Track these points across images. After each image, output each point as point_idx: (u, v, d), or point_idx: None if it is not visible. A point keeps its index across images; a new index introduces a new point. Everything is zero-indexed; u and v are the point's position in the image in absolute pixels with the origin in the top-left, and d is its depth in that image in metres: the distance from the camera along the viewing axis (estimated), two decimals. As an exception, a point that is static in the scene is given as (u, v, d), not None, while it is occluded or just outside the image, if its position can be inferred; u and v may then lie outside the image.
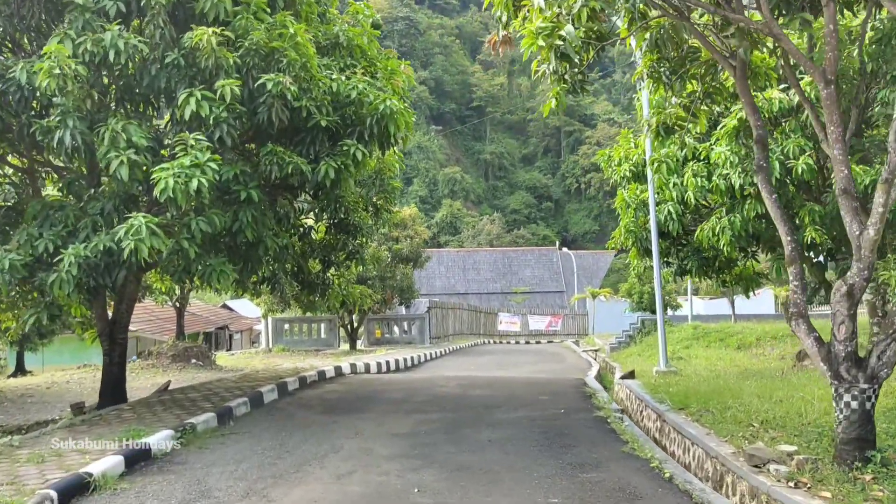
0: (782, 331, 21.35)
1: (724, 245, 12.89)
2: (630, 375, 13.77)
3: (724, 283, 16.22)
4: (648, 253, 14.89)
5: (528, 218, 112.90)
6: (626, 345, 26.58)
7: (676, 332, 24.50)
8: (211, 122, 8.75)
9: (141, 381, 19.08)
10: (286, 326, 31.99)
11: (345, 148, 9.54)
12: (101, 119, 8.81)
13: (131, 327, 34.88)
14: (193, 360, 22.91)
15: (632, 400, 12.38)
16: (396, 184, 13.25)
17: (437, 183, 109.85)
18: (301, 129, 9.74)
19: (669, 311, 36.49)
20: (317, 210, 11.80)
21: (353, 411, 10.14)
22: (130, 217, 8.21)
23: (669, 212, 13.72)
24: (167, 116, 9.85)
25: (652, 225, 13.90)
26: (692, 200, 13.27)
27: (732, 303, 27.83)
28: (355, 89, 9.58)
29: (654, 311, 35.19)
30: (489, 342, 42.74)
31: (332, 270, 13.53)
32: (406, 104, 10.13)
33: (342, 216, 12.29)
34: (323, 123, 9.35)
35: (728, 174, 12.40)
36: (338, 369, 15.43)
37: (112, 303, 11.77)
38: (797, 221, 12.53)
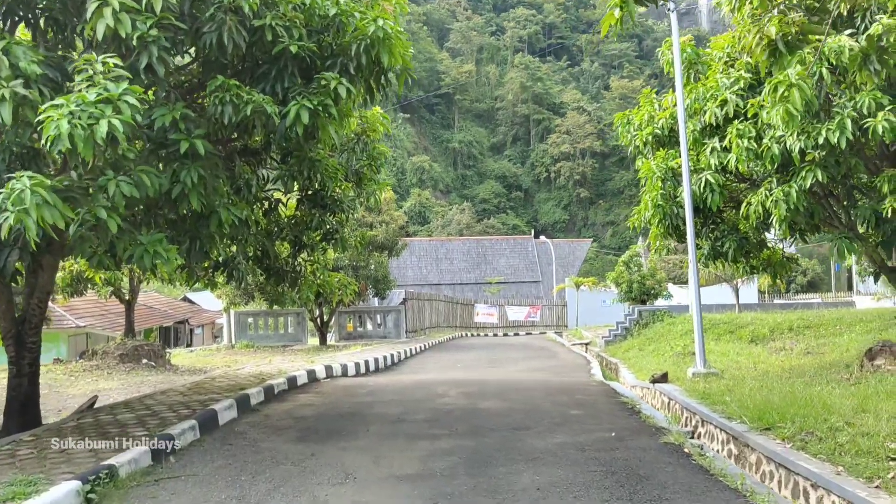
0: (795, 322, 19.39)
1: (777, 222, 10.72)
2: (663, 379, 11.56)
3: (752, 268, 14.07)
4: (679, 232, 12.66)
5: (498, 207, 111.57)
6: (622, 338, 24.42)
7: (679, 324, 22.39)
8: (135, 42, 6.23)
9: (80, 387, 16.44)
10: (250, 320, 29.57)
11: (323, 83, 7.03)
12: (-18, 40, 6.24)
13: (79, 322, 32.05)
14: (144, 361, 20.34)
15: (674, 411, 10.13)
16: (384, 148, 10.76)
17: (404, 172, 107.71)
18: (264, 60, 7.25)
19: (660, 301, 34.52)
20: (286, 178, 9.31)
21: (337, 436, 7.69)
22: (13, 178, 5.66)
23: (708, 182, 11.51)
24: (79, 42, 7.29)
25: (686, 197, 11.67)
26: (734, 167, 11.11)
27: (737, 291, 25.80)
28: (336, 5, 7.09)
29: (643, 302, 33.22)
30: (467, 335, 40.48)
31: (305, 255, 11.06)
32: (402, 30, 7.62)
33: (317, 186, 9.81)
34: (293, 49, 6.83)
35: (783, 136, 10.21)
36: (311, 374, 12.93)
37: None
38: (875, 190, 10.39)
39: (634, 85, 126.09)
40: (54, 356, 24.12)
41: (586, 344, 26.94)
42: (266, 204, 9.89)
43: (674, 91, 12.86)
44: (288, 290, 10.76)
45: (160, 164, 6.90)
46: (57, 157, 7.02)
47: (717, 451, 7.83)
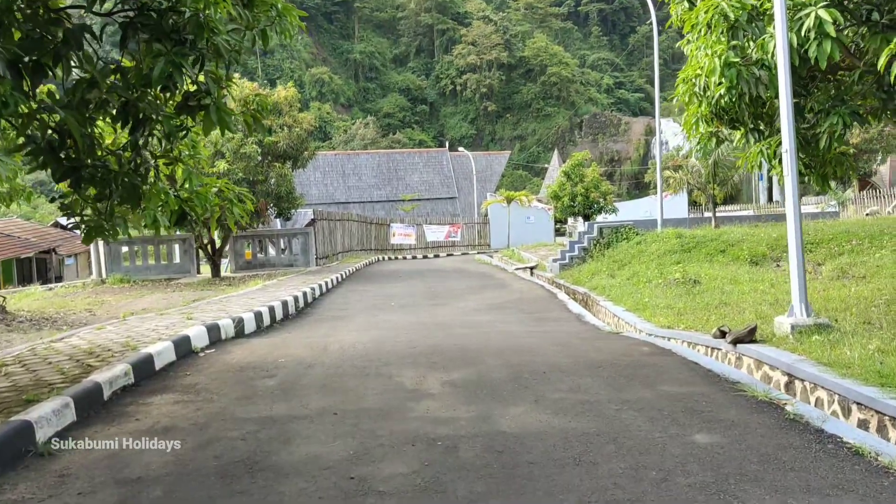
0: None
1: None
2: (750, 336, 7.37)
3: (805, 167, 10.04)
4: (754, 106, 8.33)
5: (403, 122, 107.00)
6: (580, 260, 20.42)
7: (653, 243, 18.52)
8: None
9: None
10: (125, 249, 24.14)
11: None
12: None
13: None
14: (-35, 310, 14.91)
15: (814, 400, 5.92)
16: (292, -61, 5.72)
17: (303, 85, 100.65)
18: None
19: (603, 216, 30.86)
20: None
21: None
22: None
23: (819, 21, 7.10)
24: None
25: (779, 41, 7.34)
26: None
27: (713, 201, 22.04)
28: None
29: (587, 217, 29.39)
30: (385, 258, 35.96)
31: (155, 144, 6.02)
32: None
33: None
34: None
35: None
36: (182, 343, 7.95)
37: None
38: None
39: None
40: None
41: (532, 268, 22.88)
42: (61, 34, 4.79)
43: None
44: (124, 207, 5.77)
45: None
46: None
47: None
